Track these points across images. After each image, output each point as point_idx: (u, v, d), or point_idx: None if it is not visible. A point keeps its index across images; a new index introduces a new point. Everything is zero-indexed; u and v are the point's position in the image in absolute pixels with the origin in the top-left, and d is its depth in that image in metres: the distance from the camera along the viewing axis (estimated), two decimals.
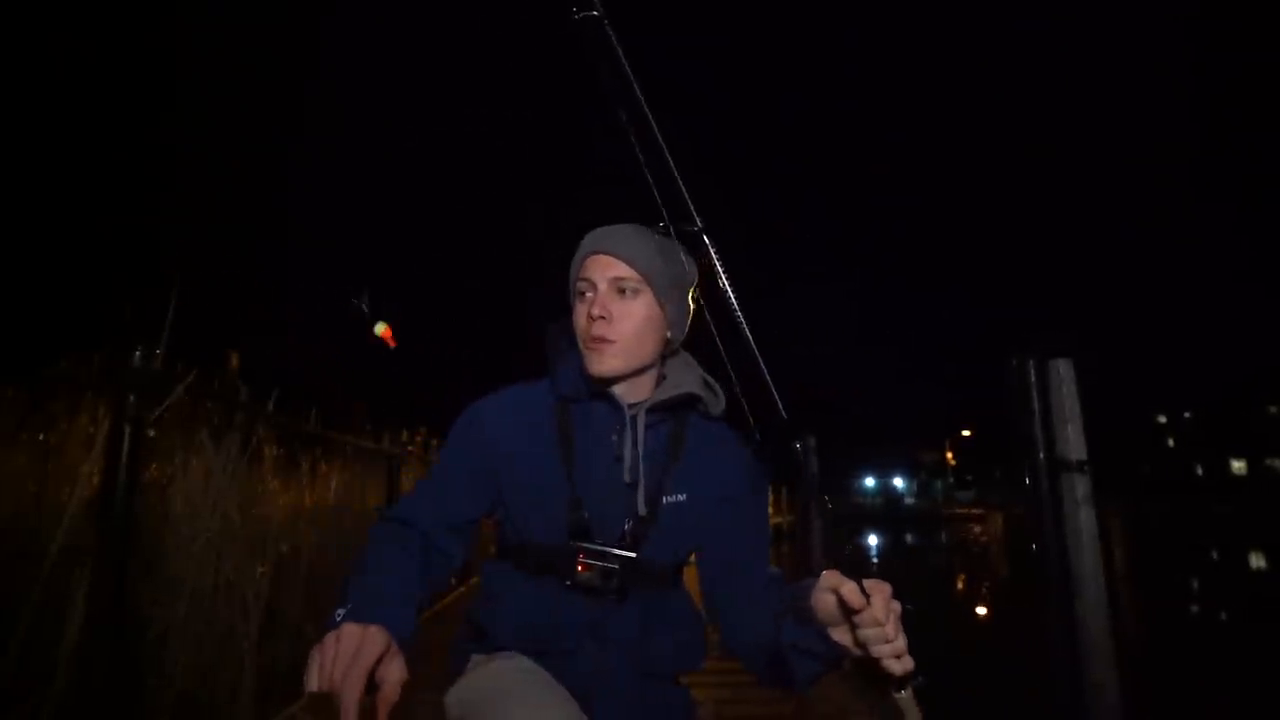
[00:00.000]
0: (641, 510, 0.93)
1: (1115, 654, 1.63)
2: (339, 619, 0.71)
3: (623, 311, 0.93)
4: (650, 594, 0.95)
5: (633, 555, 0.92)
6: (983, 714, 4.19)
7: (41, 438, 2.32)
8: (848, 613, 0.68)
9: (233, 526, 2.41)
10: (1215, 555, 15.60)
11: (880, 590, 0.68)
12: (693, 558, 1.03)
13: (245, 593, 2.40)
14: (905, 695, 0.68)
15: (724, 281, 0.92)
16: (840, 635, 0.72)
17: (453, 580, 5.51)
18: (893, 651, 0.67)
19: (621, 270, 0.93)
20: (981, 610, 8.21)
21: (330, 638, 0.67)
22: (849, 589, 0.67)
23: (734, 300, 0.91)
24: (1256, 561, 13.87)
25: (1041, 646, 1.70)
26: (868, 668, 0.69)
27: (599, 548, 0.92)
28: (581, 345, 0.95)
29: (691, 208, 0.94)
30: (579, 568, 0.91)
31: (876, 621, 0.67)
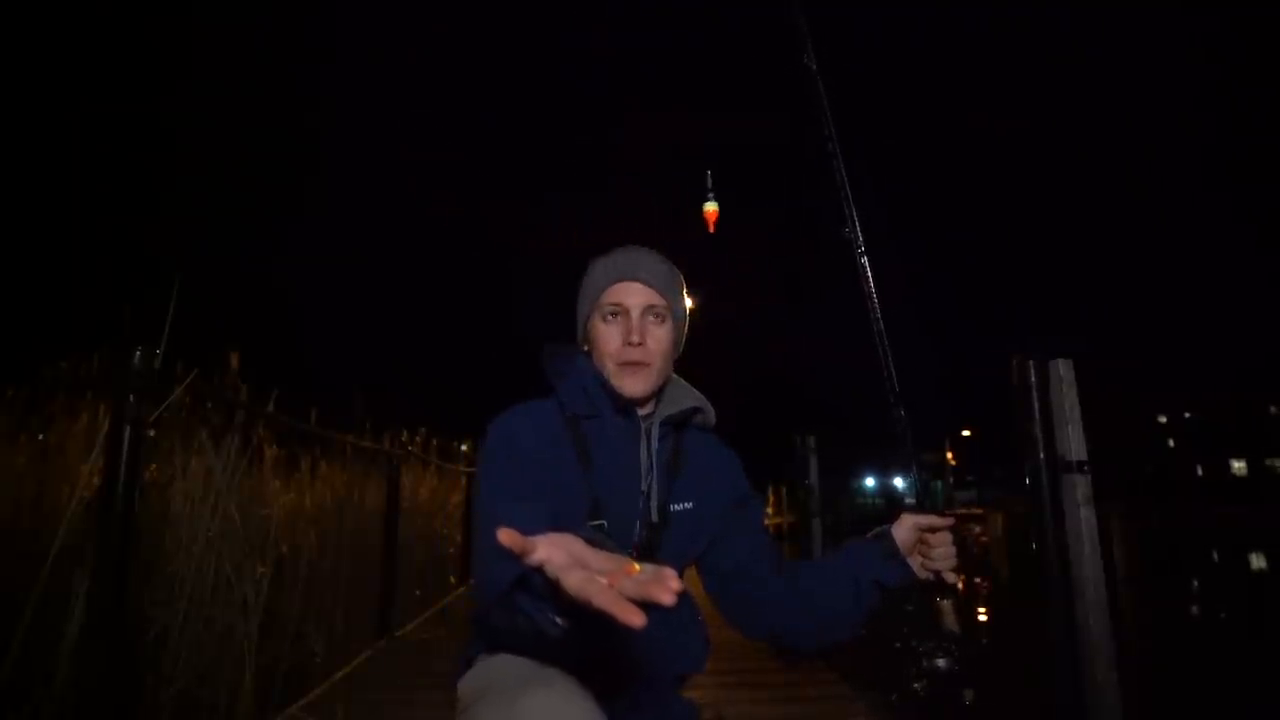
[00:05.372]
0: (654, 517, 0.99)
1: (1116, 654, 1.63)
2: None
3: (656, 336, 1.02)
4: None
5: (648, 559, 0.96)
6: (984, 715, 4.19)
7: (41, 438, 2.31)
8: (916, 544, 0.97)
9: (233, 526, 2.41)
10: (1216, 556, 15.57)
11: (946, 521, 0.96)
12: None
13: (245, 593, 2.40)
14: (947, 603, 0.96)
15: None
16: (911, 562, 0.97)
17: (453, 579, 5.51)
18: (952, 566, 0.95)
19: (653, 298, 1.02)
20: (982, 611, 8.20)
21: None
22: (935, 519, 0.95)
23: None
24: (1257, 563, 13.85)
25: (1043, 647, 1.70)
26: (923, 586, 0.97)
27: (618, 553, 0.94)
28: (610, 365, 1.01)
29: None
30: None
31: (947, 542, 0.95)
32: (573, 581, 0.51)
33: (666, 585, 0.48)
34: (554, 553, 0.55)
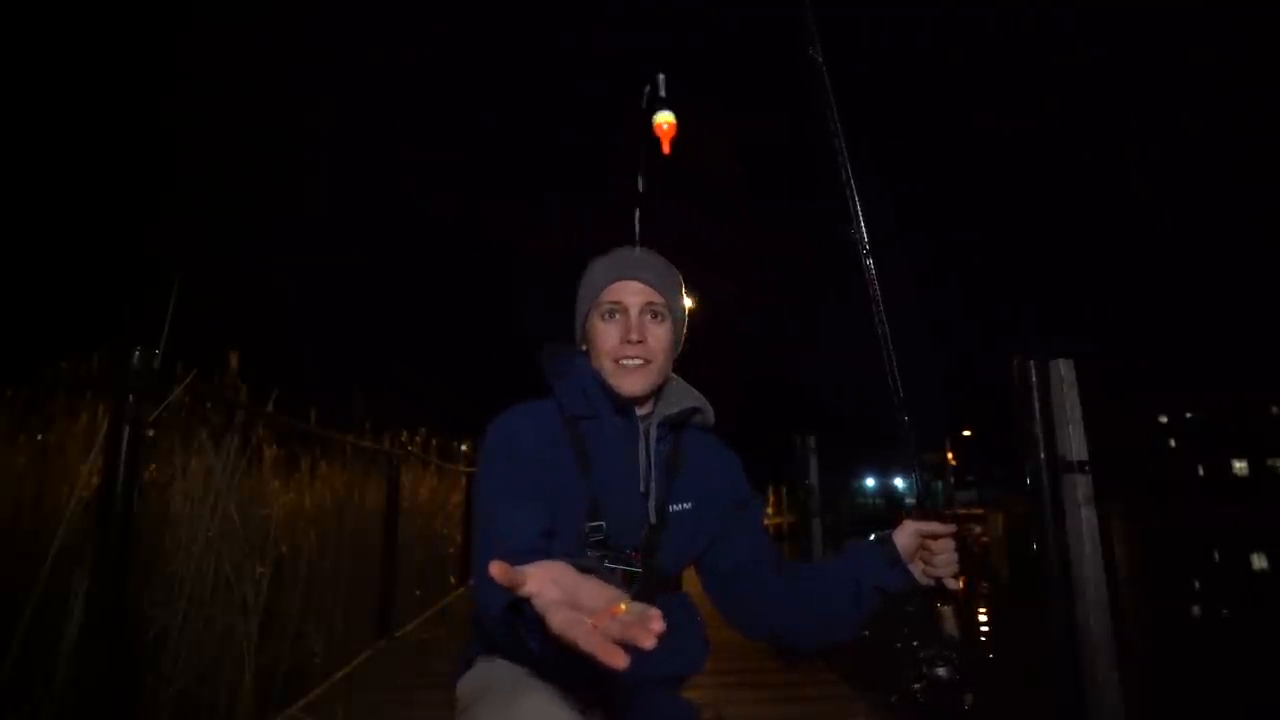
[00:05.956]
0: (652, 518, 0.99)
1: (1117, 654, 1.63)
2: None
3: (655, 335, 1.01)
4: (655, 600, 0.98)
5: (647, 560, 0.97)
6: (985, 715, 4.19)
7: (41, 438, 2.31)
8: (918, 549, 0.95)
9: (233, 526, 2.41)
10: (1217, 556, 15.56)
11: (948, 528, 0.94)
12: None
13: (245, 593, 2.40)
14: (948, 609, 1.01)
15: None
16: (912, 568, 0.96)
17: (453, 579, 5.51)
18: (954, 572, 0.94)
19: (653, 296, 1.01)
20: (982, 611, 8.20)
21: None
22: (937, 525, 0.94)
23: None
24: (1259, 562, 13.84)
25: (1043, 647, 1.70)
26: (925, 592, 0.96)
27: (618, 554, 0.96)
28: (608, 363, 1.00)
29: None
30: (603, 574, 0.92)
31: (949, 548, 0.93)
32: (557, 622, 0.51)
33: (648, 629, 0.49)
34: (544, 586, 0.55)
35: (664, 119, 0.92)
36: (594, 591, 0.55)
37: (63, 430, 2.31)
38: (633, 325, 0.99)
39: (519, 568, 0.56)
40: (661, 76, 0.95)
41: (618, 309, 1.01)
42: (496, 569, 0.53)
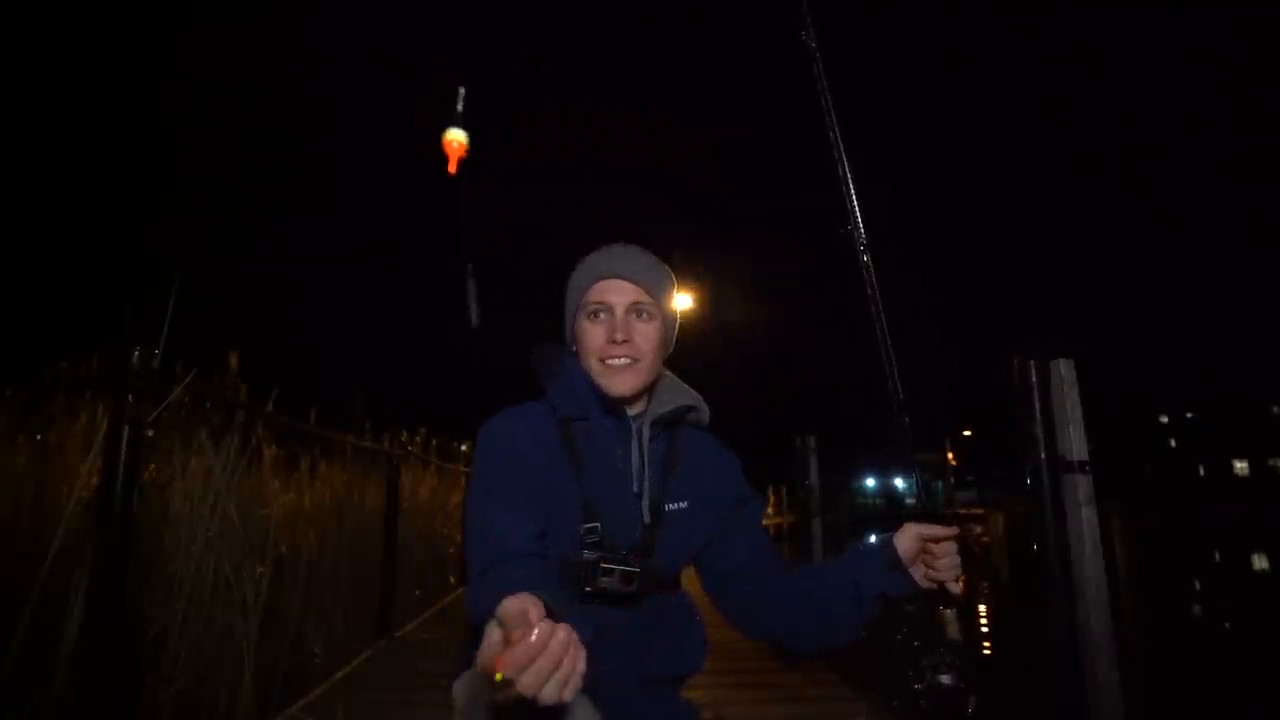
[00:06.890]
0: (646, 518, 0.98)
1: (1117, 654, 1.63)
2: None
3: (642, 334, 0.99)
4: (654, 600, 0.98)
5: (645, 560, 0.96)
6: (983, 715, 4.19)
7: (41, 438, 2.31)
8: (919, 553, 0.94)
9: (232, 526, 2.41)
10: (1217, 556, 15.57)
11: (951, 531, 0.93)
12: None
13: (245, 593, 2.40)
14: (951, 613, 0.94)
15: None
16: (914, 572, 0.94)
17: (453, 579, 5.51)
18: (956, 576, 0.92)
19: (639, 295, 1.00)
20: (982, 611, 8.19)
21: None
22: (939, 529, 0.92)
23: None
24: (1259, 562, 13.84)
25: (1044, 647, 1.70)
26: (926, 596, 0.94)
27: (615, 554, 0.95)
28: (595, 364, 0.99)
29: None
30: (601, 575, 0.93)
31: (951, 552, 0.92)
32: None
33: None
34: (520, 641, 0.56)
35: (455, 137, 0.84)
36: (557, 649, 0.56)
37: (63, 430, 2.31)
38: (618, 325, 0.98)
39: (519, 616, 0.57)
40: (462, 90, 0.87)
41: (603, 308, 0.99)
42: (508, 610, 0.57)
